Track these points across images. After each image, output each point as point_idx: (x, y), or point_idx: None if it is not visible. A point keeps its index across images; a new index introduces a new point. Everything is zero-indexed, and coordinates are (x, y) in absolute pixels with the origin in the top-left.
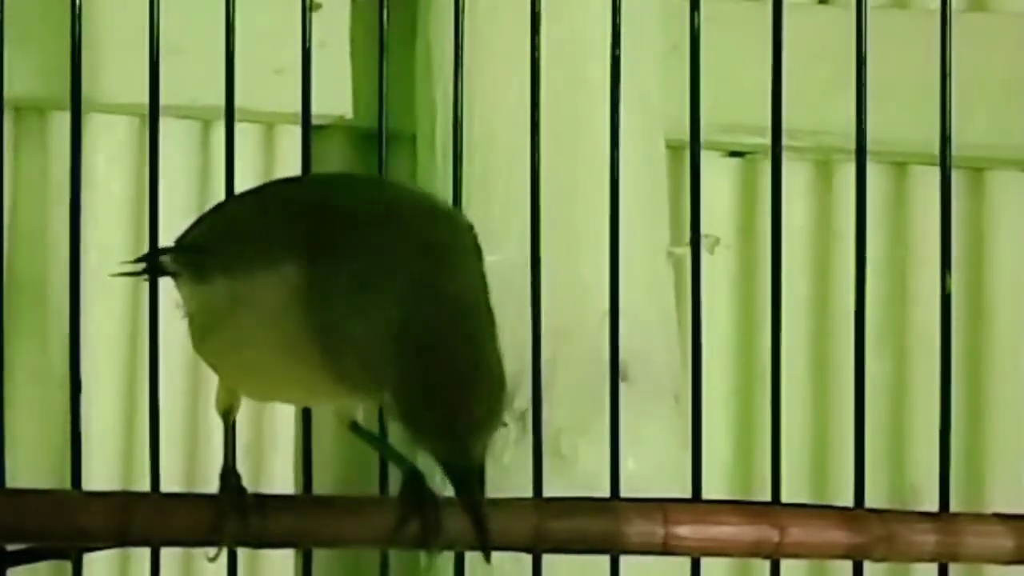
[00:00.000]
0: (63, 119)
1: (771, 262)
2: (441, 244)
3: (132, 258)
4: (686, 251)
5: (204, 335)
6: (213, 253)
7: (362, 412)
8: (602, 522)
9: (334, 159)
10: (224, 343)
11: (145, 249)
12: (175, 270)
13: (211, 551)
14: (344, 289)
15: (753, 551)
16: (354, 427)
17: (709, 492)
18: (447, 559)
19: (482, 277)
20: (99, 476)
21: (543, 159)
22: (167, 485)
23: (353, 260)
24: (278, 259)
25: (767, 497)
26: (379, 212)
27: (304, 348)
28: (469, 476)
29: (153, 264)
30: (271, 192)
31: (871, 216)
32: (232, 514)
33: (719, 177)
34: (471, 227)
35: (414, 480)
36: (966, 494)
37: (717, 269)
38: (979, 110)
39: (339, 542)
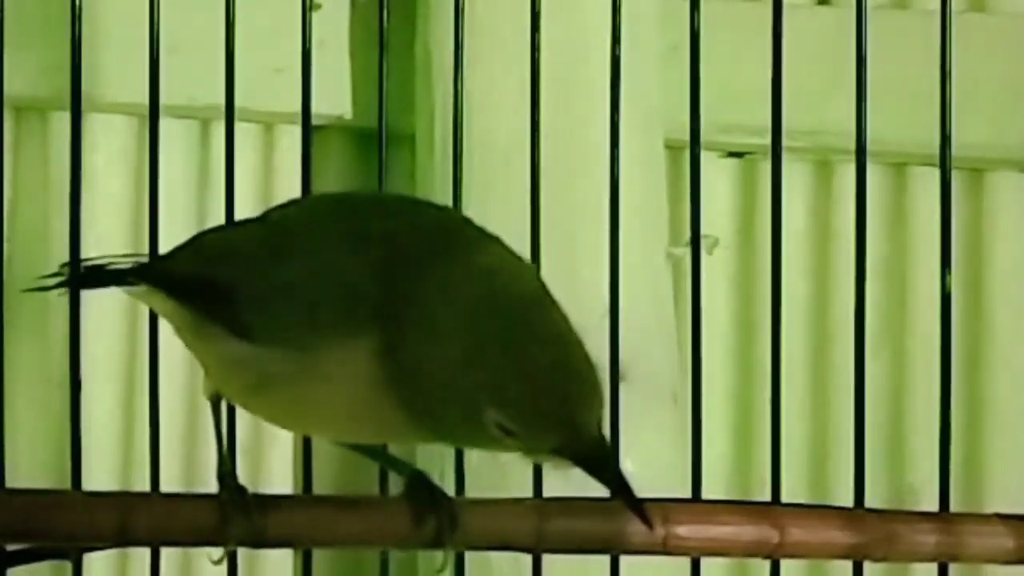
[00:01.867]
0: (63, 119)
1: (771, 263)
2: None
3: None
4: (685, 251)
5: (252, 393)
6: (259, 307)
7: None
8: (602, 522)
9: (334, 159)
10: (281, 403)
11: (145, 249)
12: (176, 298)
13: (214, 554)
14: (420, 343)
15: (753, 551)
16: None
17: (709, 492)
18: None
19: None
20: (99, 476)
21: (543, 159)
22: (167, 485)
23: (421, 307)
24: (355, 326)
25: (767, 497)
26: (433, 246)
27: (386, 405)
28: (605, 461)
29: (76, 278)
30: (307, 224)
31: (871, 216)
32: (237, 516)
33: (718, 177)
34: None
35: (420, 480)
36: (966, 494)
37: (716, 270)
38: (979, 110)
39: (350, 542)
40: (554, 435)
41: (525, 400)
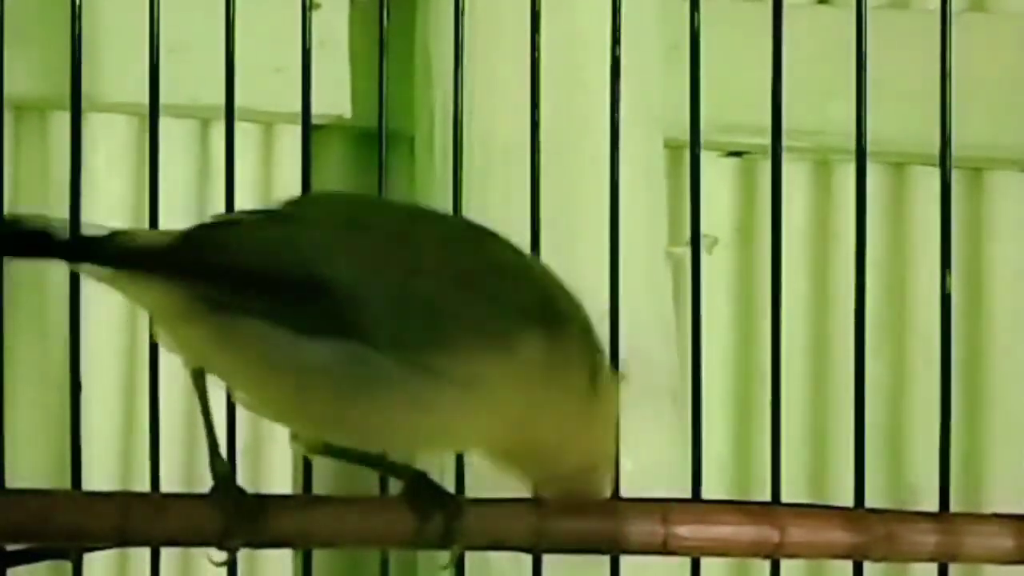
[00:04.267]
0: (63, 119)
1: (770, 262)
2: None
3: None
4: (685, 251)
5: (320, 401)
6: (392, 315)
7: None
8: (602, 522)
9: (334, 159)
10: (369, 413)
11: None
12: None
13: (214, 555)
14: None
15: (753, 551)
16: (326, 449)
17: (709, 492)
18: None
19: None
20: (99, 476)
21: (543, 159)
22: (167, 485)
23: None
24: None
25: (767, 497)
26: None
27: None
28: None
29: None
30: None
31: (871, 216)
32: (240, 523)
33: (718, 177)
34: None
35: (422, 480)
36: (966, 494)
37: (716, 269)
38: (979, 110)
39: (351, 542)
40: None
41: None
